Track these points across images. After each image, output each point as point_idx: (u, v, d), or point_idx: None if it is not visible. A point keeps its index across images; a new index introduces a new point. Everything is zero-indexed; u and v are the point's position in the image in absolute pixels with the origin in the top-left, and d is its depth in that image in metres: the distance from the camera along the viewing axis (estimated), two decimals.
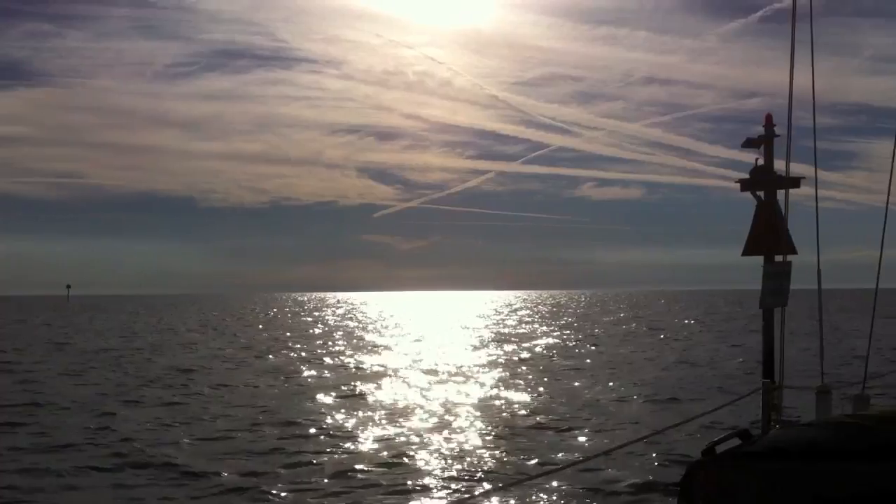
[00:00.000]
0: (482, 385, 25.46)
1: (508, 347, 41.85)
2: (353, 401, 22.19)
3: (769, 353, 15.88)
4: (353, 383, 26.15)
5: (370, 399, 22.45)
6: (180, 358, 36.56)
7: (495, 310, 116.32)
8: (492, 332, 57.14)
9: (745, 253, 15.41)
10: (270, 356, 37.55)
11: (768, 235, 13.73)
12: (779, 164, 13.29)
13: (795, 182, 13.02)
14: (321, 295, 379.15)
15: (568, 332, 57.59)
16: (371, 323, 76.01)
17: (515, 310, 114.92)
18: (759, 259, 13.22)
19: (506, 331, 59.61)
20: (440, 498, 11.96)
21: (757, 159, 15.12)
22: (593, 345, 43.35)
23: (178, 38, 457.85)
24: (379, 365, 32.34)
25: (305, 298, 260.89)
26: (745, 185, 14.40)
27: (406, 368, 30.87)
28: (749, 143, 14.22)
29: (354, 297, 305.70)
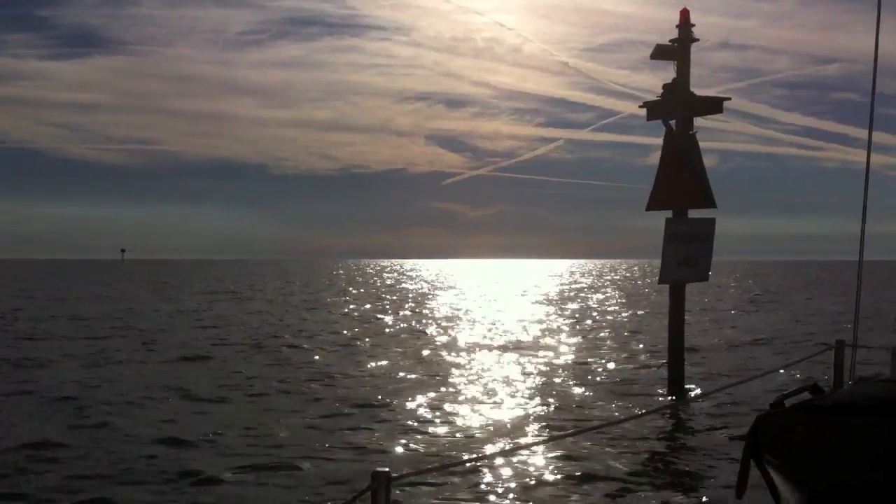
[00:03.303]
0: None
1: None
2: None
3: (677, 348, 12.29)
4: None
5: None
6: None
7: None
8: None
9: (650, 207, 11.65)
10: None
11: (680, 182, 10.08)
12: (704, 92, 9.63)
13: (717, 105, 9.41)
14: (397, 262, 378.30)
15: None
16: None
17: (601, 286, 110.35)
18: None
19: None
20: None
21: (674, 80, 11.39)
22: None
23: (250, 5, 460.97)
24: None
25: (387, 265, 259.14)
26: (653, 110, 10.69)
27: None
28: (660, 53, 10.48)
29: (426, 264, 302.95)
